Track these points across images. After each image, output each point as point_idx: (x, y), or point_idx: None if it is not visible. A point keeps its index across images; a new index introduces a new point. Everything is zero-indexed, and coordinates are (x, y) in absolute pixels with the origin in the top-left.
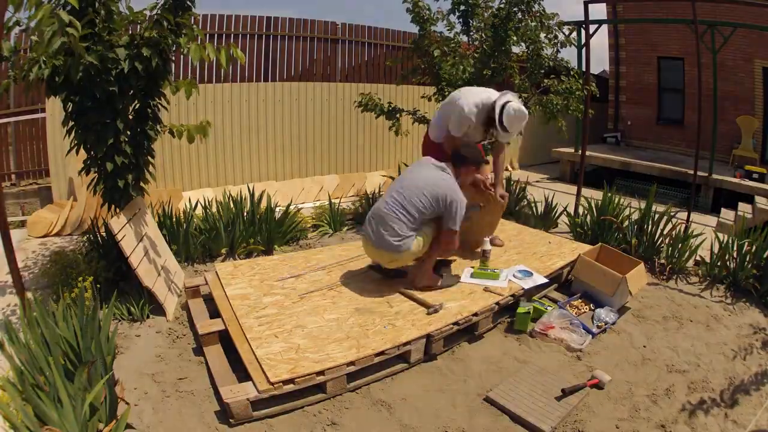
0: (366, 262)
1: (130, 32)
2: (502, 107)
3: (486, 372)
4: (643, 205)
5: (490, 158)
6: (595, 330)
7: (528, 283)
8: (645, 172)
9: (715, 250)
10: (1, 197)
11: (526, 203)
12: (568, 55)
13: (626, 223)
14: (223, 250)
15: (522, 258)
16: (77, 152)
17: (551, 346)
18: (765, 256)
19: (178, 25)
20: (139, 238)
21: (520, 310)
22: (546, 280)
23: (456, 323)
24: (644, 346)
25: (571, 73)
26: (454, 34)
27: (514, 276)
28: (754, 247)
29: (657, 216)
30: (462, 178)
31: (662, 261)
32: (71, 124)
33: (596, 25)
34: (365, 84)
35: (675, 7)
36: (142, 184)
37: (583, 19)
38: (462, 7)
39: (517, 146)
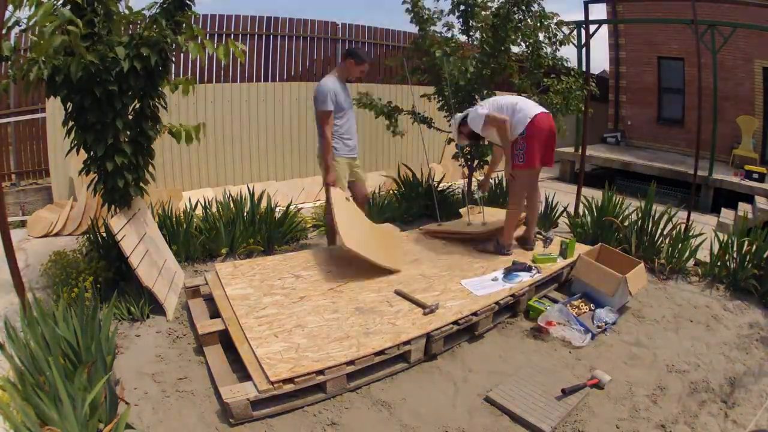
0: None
1: (130, 32)
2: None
3: (486, 372)
4: (643, 205)
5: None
6: (595, 330)
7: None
8: (645, 172)
9: (715, 250)
10: (1, 197)
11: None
12: (568, 54)
13: (626, 223)
14: (223, 250)
15: (524, 259)
16: (77, 152)
17: (551, 346)
18: (765, 256)
19: (177, 24)
20: (139, 238)
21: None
22: (530, 273)
23: (456, 323)
24: (644, 346)
25: (572, 72)
26: (452, 35)
27: (502, 281)
28: (754, 247)
29: (657, 216)
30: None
31: (662, 261)
32: (71, 124)
33: (596, 25)
34: (365, 84)
35: (675, 7)
36: (141, 184)
37: (582, 18)
38: (462, 7)
39: None
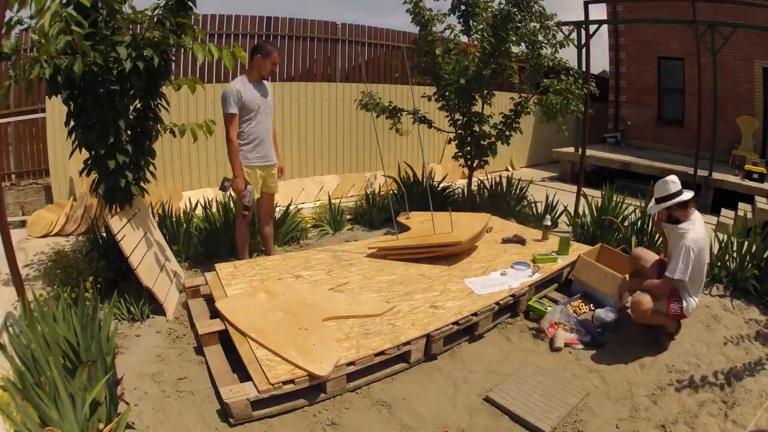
0: (360, 259)
1: (132, 32)
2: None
3: (486, 372)
4: (643, 204)
5: None
6: (595, 330)
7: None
8: (645, 172)
9: (715, 250)
10: (1, 197)
11: (526, 203)
12: (568, 55)
13: (626, 222)
14: (223, 250)
15: (522, 258)
16: (80, 151)
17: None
18: (765, 256)
19: (179, 26)
20: (139, 238)
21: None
22: (530, 273)
23: (456, 323)
24: (644, 347)
25: (571, 72)
26: (455, 36)
27: (512, 267)
28: (754, 247)
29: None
30: None
31: None
32: (72, 123)
33: (596, 25)
34: (365, 84)
35: (675, 7)
36: (142, 183)
37: (583, 19)
38: (462, 8)
39: (520, 147)
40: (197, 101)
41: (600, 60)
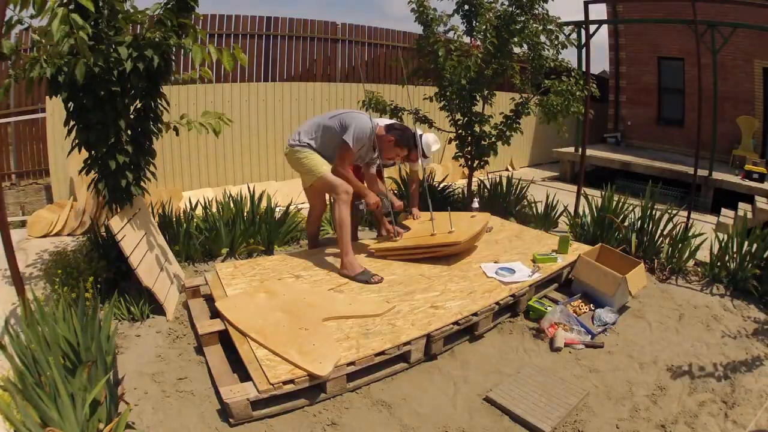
0: (360, 259)
1: (132, 32)
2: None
3: (486, 372)
4: (643, 204)
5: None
6: (595, 330)
7: (508, 279)
8: (645, 172)
9: (715, 250)
10: (1, 197)
11: (526, 203)
12: (568, 55)
13: (626, 222)
14: (224, 250)
15: (523, 258)
16: (79, 151)
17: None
18: (765, 256)
19: (180, 26)
20: (139, 238)
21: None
22: (529, 271)
23: (456, 323)
24: (644, 347)
25: (572, 73)
26: (457, 36)
27: (496, 273)
28: (754, 247)
29: (657, 216)
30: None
31: (662, 261)
32: (72, 123)
33: (596, 25)
34: (365, 84)
35: (675, 7)
36: (142, 183)
37: (583, 19)
38: (466, 7)
39: (520, 146)
40: (197, 101)
41: (599, 60)
